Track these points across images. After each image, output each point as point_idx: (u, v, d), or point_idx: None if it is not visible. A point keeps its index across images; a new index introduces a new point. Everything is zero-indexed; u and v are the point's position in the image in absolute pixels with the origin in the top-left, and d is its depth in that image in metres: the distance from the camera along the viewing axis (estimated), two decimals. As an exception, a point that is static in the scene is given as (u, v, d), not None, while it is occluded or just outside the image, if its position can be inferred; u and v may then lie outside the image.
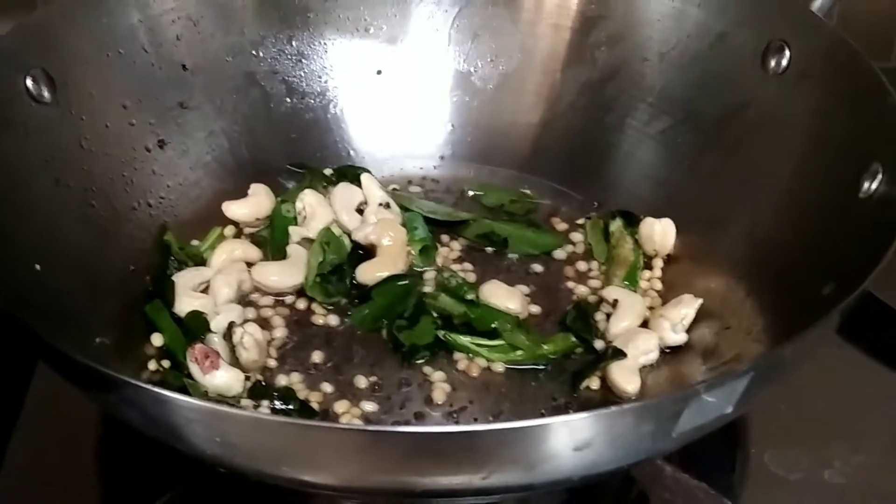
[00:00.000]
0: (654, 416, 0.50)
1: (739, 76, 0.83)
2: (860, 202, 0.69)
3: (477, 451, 0.48)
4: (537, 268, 0.83)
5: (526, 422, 0.47)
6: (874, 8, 1.11)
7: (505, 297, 0.78)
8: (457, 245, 0.85)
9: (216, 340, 0.73)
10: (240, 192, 0.86)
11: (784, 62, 0.80)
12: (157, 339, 0.74)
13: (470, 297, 0.78)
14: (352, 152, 0.92)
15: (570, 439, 0.49)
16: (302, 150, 0.91)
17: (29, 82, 0.74)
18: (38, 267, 0.69)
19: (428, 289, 0.80)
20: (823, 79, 0.77)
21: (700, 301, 0.76)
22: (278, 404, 0.70)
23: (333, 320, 0.78)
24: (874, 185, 0.69)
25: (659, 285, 0.81)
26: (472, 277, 0.82)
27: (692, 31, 0.85)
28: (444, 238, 0.85)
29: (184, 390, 0.69)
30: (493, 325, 0.75)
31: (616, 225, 0.84)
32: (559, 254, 0.84)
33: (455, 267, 0.83)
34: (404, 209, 0.85)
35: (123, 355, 0.72)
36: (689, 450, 0.72)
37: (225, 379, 0.70)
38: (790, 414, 0.77)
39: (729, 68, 0.84)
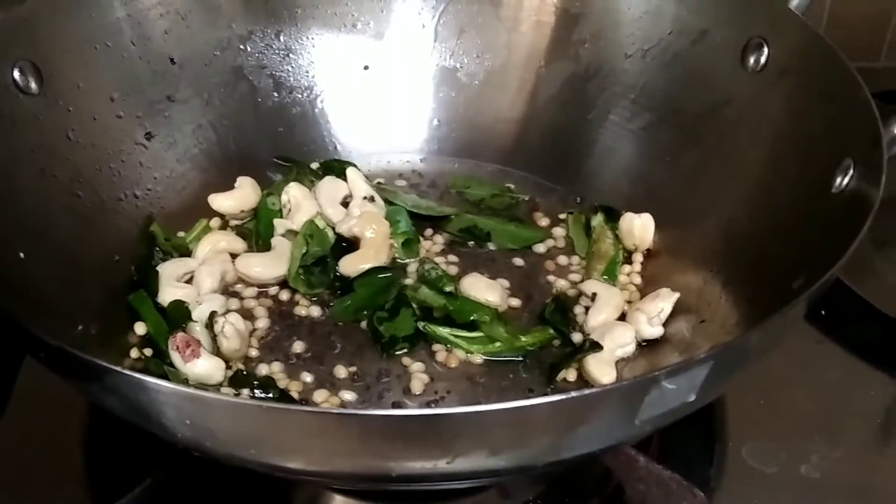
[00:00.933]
0: (615, 403, 0.51)
1: (720, 74, 0.84)
2: (831, 197, 0.70)
3: (440, 435, 0.49)
4: (518, 261, 0.84)
5: (486, 406, 0.48)
6: (864, 11, 1.12)
7: (485, 290, 0.79)
8: (440, 238, 0.86)
9: (198, 329, 0.74)
10: (226, 185, 0.87)
11: (763, 59, 0.81)
12: (139, 328, 0.75)
13: (449, 289, 0.79)
14: (338, 146, 0.93)
15: (531, 424, 0.50)
16: (289, 144, 0.92)
17: (16, 73, 0.75)
18: (21, 255, 0.70)
19: (410, 281, 0.81)
20: (800, 76, 0.78)
21: (677, 295, 0.77)
22: (258, 393, 0.71)
23: (316, 311, 0.79)
24: (845, 181, 0.69)
25: (638, 279, 0.82)
26: (453, 270, 0.83)
27: (673, 28, 0.86)
28: (428, 231, 0.87)
29: (164, 378, 0.70)
30: (472, 318, 0.76)
31: (597, 220, 0.85)
32: (540, 248, 0.85)
33: (438, 260, 0.84)
34: (389, 203, 0.86)
35: (106, 343, 0.74)
36: (667, 442, 0.74)
37: (206, 367, 0.71)
38: (768, 408, 0.78)
39: (709, 66, 0.84)
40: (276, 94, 0.92)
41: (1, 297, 0.61)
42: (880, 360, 0.82)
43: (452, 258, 0.84)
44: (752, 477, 0.74)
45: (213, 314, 0.74)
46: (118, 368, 0.53)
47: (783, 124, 0.78)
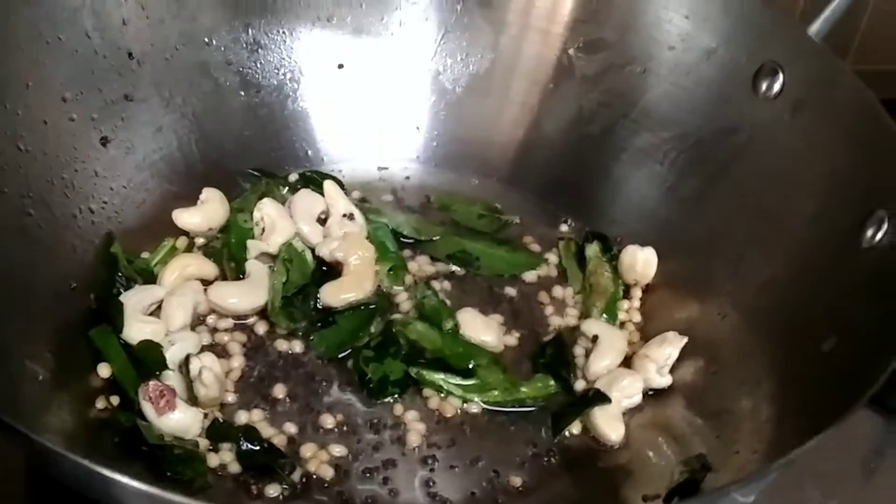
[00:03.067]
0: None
1: (728, 97, 0.79)
2: (864, 251, 0.66)
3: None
4: (510, 291, 0.79)
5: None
6: None
7: (481, 330, 0.73)
8: (424, 261, 0.80)
9: (171, 375, 0.66)
10: (190, 196, 0.79)
11: (777, 86, 0.76)
12: (104, 370, 0.67)
13: (449, 325, 0.72)
14: (310, 152, 0.86)
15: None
16: (256, 149, 0.84)
17: (-40, 75, 0.66)
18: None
19: (397, 315, 0.74)
20: (820, 109, 0.74)
21: (685, 340, 0.72)
22: (244, 445, 0.64)
23: (297, 346, 0.72)
24: (879, 235, 0.66)
25: (638, 317, 0.78)
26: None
27: (679, 44, 0.80)
28: (407, 252, 0.80)
29: (135, 432, 0.63)
30: (469, 364, 0.70)
31: (593, 250, 0.80)
32: (530, 276, 0.80)
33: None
34: (370, 221, 0.79)
35: (64, 387, 0.66)
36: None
37: (182, 420, 0.64)
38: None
39: (717, 87, 0.80)
40: (242, 94, 0.84)
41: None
42: (875, 399, 0.80)
43: (439, 285, 0.78)
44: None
45: (188, 357, 0.66)
46: (92, 465, 0.46)
47: (800, 160, 0.74)
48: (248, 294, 0.73)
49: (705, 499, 0.47)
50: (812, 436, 0.50)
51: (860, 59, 1.10)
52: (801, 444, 0.50)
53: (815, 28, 0.76)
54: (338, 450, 0.66)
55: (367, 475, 0.66)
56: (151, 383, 0.64)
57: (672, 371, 0.73)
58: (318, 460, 0.66)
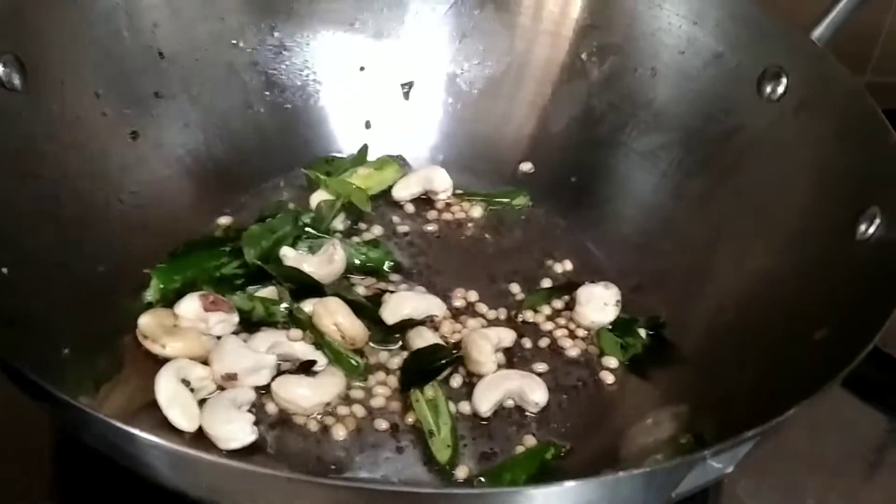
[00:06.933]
0: (659, 481, 0.49)
1: (733, 99, 0.81)
2: (856, 244, 0.68)
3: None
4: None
5: (529, 487, 0.46)
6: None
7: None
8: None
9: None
10: (213, 190, 0.83)
11: (780, 89, 0.79)
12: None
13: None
14: (330, 151, 0.89)
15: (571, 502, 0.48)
16: (279, 147, 0.88)
17: (0, 68, 0.70)
18: (4, 270, 0.65)
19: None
20: (821, 111, 0.76)
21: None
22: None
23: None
24: (871, 230, 0.68)
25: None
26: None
27: (687, 48, 0.83)
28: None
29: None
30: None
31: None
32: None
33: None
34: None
35: (89, 363, 0.69)
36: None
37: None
38: (762, 448, 0.76)
39: (723, 90, 0.82)
40: (267, 93, 0.88)
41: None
42: (876, 397, 0.81)
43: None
44: (750, 516, 0.72)
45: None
46: (119, 425, 0.49)
47: (801, 160, 0.76)
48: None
49: (684, 461, 0.49)
50: (788, 408, 0.52)
51: (878, 72, 1.12)
52: (779, 415, 0.51)
53: (817, 33, 0.79)
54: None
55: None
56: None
57: (673, 360, 0.75)
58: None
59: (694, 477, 0.50)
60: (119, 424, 0.49)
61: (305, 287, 0.75)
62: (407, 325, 0.75)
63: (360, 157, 0.88)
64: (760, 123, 0.79)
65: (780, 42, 0.79)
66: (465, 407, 0.71)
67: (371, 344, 0.74)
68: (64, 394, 0.51)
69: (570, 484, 0.45)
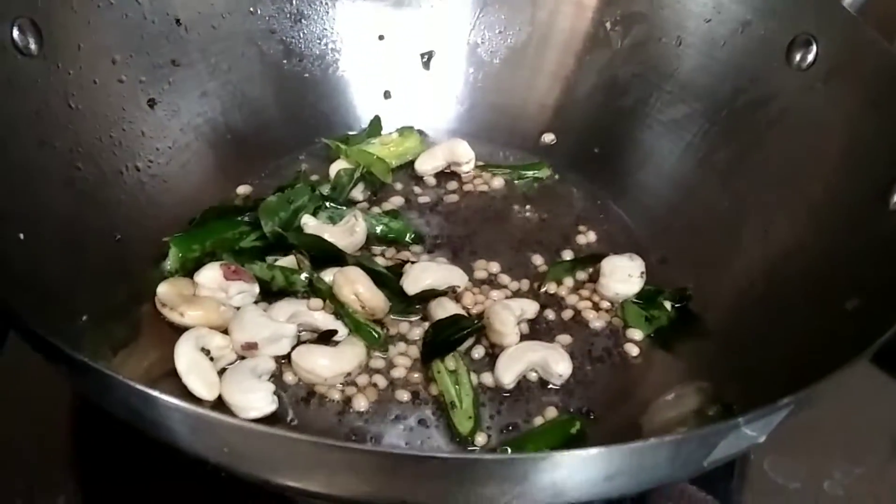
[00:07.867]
0: (691, 449, 0.48)
1: (762, 68, 0.80)
2: (889, 214, 0.66)
3: (508, 479, 0.46)
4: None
5: (559, 453, 0.44)
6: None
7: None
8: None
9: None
10: (233, 160, 0.82)
11: (810, 57, 0.77)
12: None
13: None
14: (349, 120, 0.88)
15: (604, 470, 0.46)
16: (296, 116, 0.87)
17: (15, 32, 0.69)
18: (21, 236, 0.64)
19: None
20: (852, 79, 0.74)
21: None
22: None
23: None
24: (904, 199, 0.66)
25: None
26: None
27: (714, 16, 0.81)
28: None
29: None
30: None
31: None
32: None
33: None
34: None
35: (105, 329, 0.68)
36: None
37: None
38: (791, 421, 0.75)
39: (751, 59, 0.80)
40: (285, 62, 0.87)
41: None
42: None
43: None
44: (774, 491, 0.71)
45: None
46: (141, 387, 0.48)
47: (830, 128, 0.75)
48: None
49: (718, 427, 0.47)
50: (819, 379, 0.51)
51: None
52: (808, 386, 0.50)
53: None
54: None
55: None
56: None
57: (699, 332, 0.74)
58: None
59: (726, 446, 0.49)
60: (142, 388, 0.48)
61: (326, 255, 0.74)
62: (428, 295, 0.73)
63: (375, 129, 0.87)
64: (789, 93, 0.78)
65: (810, 8, 0.77)
66: (487, 378, 0.70)
67: (391, 315, 0.73)
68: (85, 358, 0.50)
69: (597, 450, 0.44)
